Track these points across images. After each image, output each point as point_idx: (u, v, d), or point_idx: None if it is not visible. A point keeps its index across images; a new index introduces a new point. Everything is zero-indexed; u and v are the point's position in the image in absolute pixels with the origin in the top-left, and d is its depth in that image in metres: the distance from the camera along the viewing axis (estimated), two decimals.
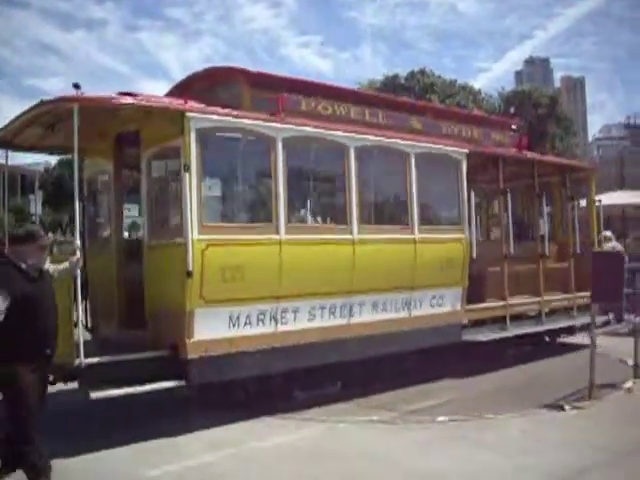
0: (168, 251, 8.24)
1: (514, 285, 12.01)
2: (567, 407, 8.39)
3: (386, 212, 10.12)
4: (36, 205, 65.55)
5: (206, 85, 9.69)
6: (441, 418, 8.11)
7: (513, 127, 14.46)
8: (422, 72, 51.98)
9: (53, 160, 71.97)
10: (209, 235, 7.98)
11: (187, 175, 7.92)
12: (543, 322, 12.47)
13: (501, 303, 11.67)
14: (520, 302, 12.21)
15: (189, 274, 7.68)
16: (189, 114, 8.05)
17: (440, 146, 10.86)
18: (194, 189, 7.97)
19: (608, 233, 17.80)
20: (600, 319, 12.85)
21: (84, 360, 7.08)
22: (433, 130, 11.42)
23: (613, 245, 16.16)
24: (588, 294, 10.40)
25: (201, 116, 8.18)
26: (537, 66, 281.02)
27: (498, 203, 12.76)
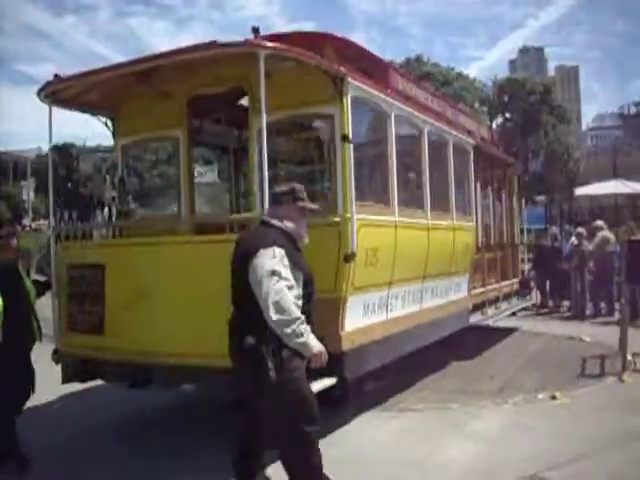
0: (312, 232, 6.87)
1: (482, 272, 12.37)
2: (558, 395, 8.39)
3: (437, 198, 9.85)
4: (28, 192, 65.41)
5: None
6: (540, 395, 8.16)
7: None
8: (418, 59, 51.90)
9: (45, 146, 71.71)
10: (361, 215, 7.12)
11: (345, 146, 7.03)
12: (501, 307, 12.92)
13: (482, 289, 12.04)
14: (493, 288, 12.64)
15: (348, 258, 6.76)
16: (350, 79, 7.14)
17: (463, 136, 11.00)
18: (352, 162, 7.05)
19: (600, 222, 17.85)
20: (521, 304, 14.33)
21: None
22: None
23: (604, 234, 16.18)
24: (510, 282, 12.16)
25: (356, 83, 7.34)
26: (531, 55, 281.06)
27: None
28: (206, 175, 39.11)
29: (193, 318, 6.32)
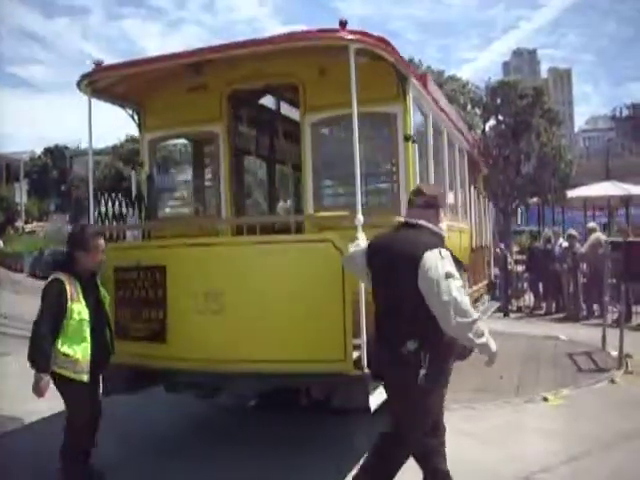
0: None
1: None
2: (550, 397, 8.43)
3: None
4: (21, 194, 65.29)
5: None
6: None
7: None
8: (411, 61, 51.93)
9: (38, 149, 71.67)
10: None
11: (408, 146, 6.96)
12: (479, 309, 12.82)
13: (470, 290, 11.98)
14: (475, 289, 12.57)
15: None
16: (413, 80, 7.09)
17: (462, 139, 11.06)
18: (417, 163, 7.01)
19: (592, 224, 17.93)
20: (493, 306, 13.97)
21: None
22: None
23: (597, 236, 16.25)
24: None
25: (417, 84, 7.27)
26: (524, 57, 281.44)
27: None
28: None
29: (270, 322, 6.05)
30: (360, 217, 5.84)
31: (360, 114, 6.68)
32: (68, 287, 5.48)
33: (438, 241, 4.62)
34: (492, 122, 38.82)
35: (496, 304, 14.91)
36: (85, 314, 5.51)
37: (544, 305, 17.99)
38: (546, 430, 7.24)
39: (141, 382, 6.71)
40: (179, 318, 6.37)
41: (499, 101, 38.25)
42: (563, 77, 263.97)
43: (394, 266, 4.62)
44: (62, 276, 5.55)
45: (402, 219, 4.94)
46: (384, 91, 6.99)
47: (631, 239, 13.20)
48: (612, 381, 9.36)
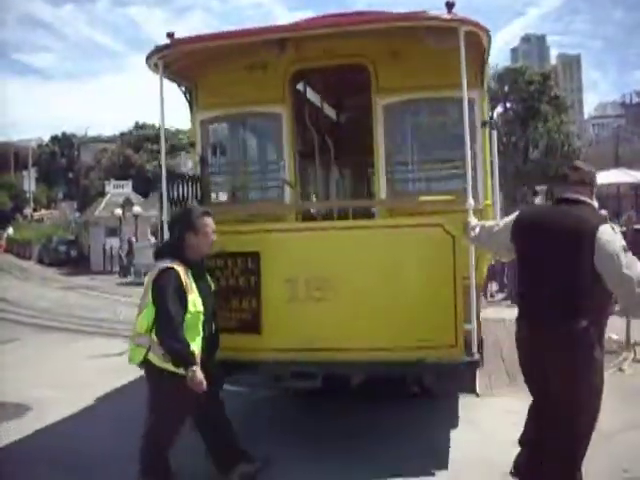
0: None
1: None
2: None
3: None
4: (30, 181, 65.46)
5: None
6: None
7: None
8: None
9: (45, 137, 71.73)
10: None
11: (485, 132, 6.95)
12: None
13: None
14: None
15: None
16: (486, 66, 6.98)
17: None
18: (495, 148, 7.01)
19: (603, 212, 17.80)
20: None
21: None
22: None
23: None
24: None
25: (487, 70, 7.20)
26: (533, 43, 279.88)
27: None
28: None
29: (378, 308, 5.96)
30: (471, 201, 5.89)
31: (437, 99, 6.95)
32: (183, 276, 5.02)
33: (602, 217, 4.61)
34: (500, 109, 38.70)
35: None
36: (200, 305, 5.10)
37: None
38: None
39: (230, 376, 6.41)
40: (275, 307, 6.16)
41: (507, 88, 38.09)
42: (572, 63, 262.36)
43: (559, 241, 4.49)
44: (175, 264, 5.05)
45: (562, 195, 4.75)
46: (460, 76, 6.70)
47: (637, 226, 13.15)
48: (620, 369, 9.31)
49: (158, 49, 6.48)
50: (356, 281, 6.01)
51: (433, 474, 5.79)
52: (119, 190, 47.93)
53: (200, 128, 7.73)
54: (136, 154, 59.14)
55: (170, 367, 4.92)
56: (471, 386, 6.08)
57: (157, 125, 63.08)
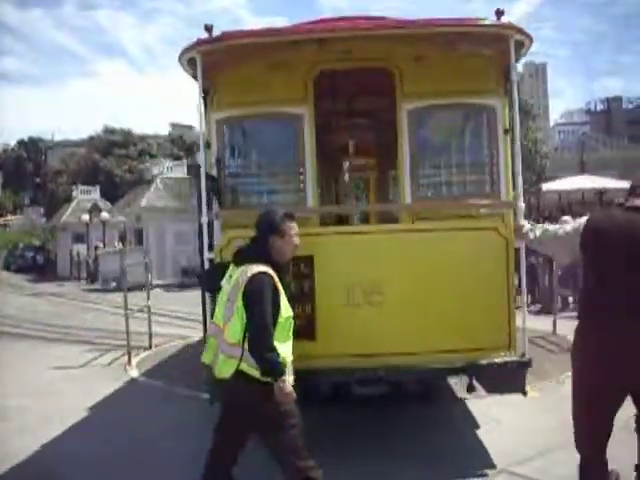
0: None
1: None
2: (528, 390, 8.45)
3: None
4: None
5: None
6: None
7: None
8: None
9: (12, 141, 70.90)
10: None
11: (507, 139, 6.97)
12: None
13: None
14: None
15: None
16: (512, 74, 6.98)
17: None
18: (519, 157, 6.91)
19: (567, 217, 18.02)
20: None
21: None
22: None
23: None
24: None
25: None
26: None
27: None
28: (175, 171, 39.07)
29: (434, 311, 6.02)
30: (522, 204, 6.12)
31: (460, 104, 7.04)
32: (276, 280, 4.83)
33: None
34: None
35: None
36: (290, 310, 4.90)
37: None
38: (520, 423, 7.30)
39: None
40: (330, 312, 6.06)
41: None
42: (539, 71, 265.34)
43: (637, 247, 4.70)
44: (266, 268, 4.84)
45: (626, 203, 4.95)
46: (484, 83, 6.98)
47: None
48: None
49: (200, 42, 6.25)
50: (411, 284, 6.06)
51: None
52: (87, 195, 47.49)
53: (216, 127, 7.38)
54: (104, 159, 58.68)
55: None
56: (521, 386, 6.12)
57: (126, 129, 62.86)
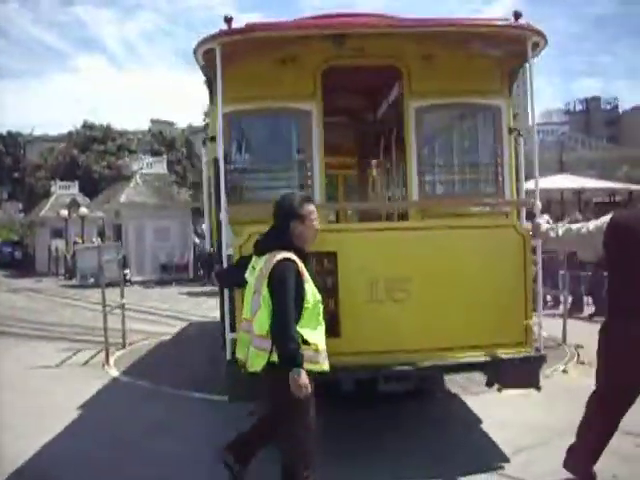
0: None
1: None
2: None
3: None
4: None
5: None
6: None
7: None
8: None
9: None
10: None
11: (511, 138, 7.31)
12: None
13: None
14: None
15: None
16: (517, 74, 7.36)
17: None
18: (522, 155, 7.44)
19: (546, 217, 18.11)
20: None
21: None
22: None
23: None
24: None
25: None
26: None
27: None
28: (155, 166, 38.87)
29: (456, 308, 6.09)
30: (539, 203, 6.34)
31: (465, 104, 7.28)
32: (301, 267, 4.76)
33: None
34: None
35: None
36: (318, 294, 4.82)
37: None
38: (501, 420, 7.34)
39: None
40: (354, 308, 6.03)
41: None
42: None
43: None
44: (290, 254, 4.78)
45: None
46: (489, 84, 7.16)
47: None
48: (564, 371, 9.49)
49: (222, 33, 6.13)
50: (433, 280, 6.11)
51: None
52: (65, 191, 47.08)
53: (223, 122, 7.07)
54: (83, 154, 58.27)
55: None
56: (536, 381, 6.26)
57: (105, 125, 62.43)
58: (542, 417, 7.37)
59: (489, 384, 6.61)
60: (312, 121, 7.22)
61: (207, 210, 8.99)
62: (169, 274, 32.46)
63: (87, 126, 62.06)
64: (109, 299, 11.95)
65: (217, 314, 17.29)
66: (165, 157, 43.48)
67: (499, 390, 7.85)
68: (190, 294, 25.09)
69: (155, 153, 51.42)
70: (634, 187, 27.81)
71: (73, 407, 8.41)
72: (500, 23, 6.32)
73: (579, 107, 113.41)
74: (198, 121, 44.22)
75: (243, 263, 5.31)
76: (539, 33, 6.29)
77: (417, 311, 6.03)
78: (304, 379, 4.50)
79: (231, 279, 5.86)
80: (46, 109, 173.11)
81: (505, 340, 6.15)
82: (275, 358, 4.62)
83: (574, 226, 5.54)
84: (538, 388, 6.34)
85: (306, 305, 4.68)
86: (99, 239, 35.53)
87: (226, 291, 6.16)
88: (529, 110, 6.70)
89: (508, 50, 6.73)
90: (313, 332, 4.70)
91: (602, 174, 38.61)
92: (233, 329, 5.95)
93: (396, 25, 6.56)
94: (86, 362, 11.53)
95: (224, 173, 6.33)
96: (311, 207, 5.04)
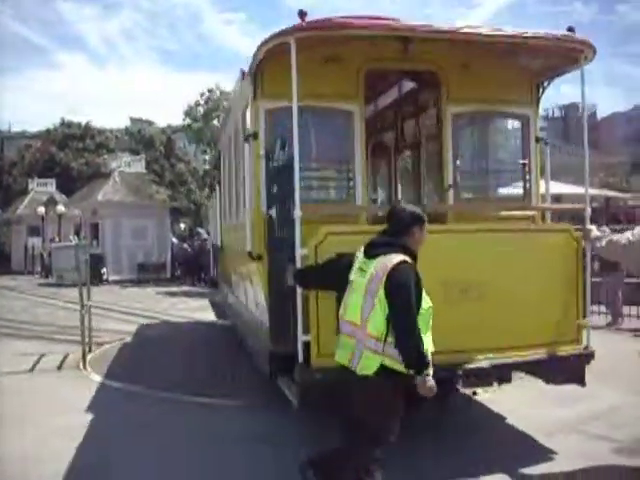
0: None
1: None
2: (479, 391, 8.50)
3: None
4: None
5: None
6: None
7: None
8: None
9: None
10: None
11: (539, 146, 7.85)
12: None
13: None
14: None
15: None
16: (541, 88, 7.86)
17: None
18: (548, 162, 7.90)
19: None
20: None
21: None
22: None
23: None
24: None
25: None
26: None
27: None
28: (133, 165, 38.69)
29: (518, 309, 6.32)
30: (589, 209, 6.77)
31: (498, 112, 7.81)
32: (417, 269, 4.77)
33: None
34: None
35: None
36: (429, 300, 4.82)
37: None
38: (474, 422, 7.41)
39: None
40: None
41: None
42: None
43: None
44: (406, 257, 4.77)
45: None
46: (520, 94, 7.66)
47: None
48: None
49: (299, 28, 6.12)
50: (502, 281, 6.33)
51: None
52: (43, 188, 46.74)
53: (264, 118, 7.22)
54: (61, 152, 57.79)
55: (402, 369, 4.60)
56: (582, 377, 6.60)
57: (84, 123, 61.95)
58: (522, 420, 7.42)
59: (548, 381, 6.82)
60: (355, 122, 7.30)
61: (226, 208, 8.83)
62: (146, 273, 32.29)
63: (65, 124, 61.55)
64: (85, 298, 11.82)
65: (198, 315, 17.39)
66: (144, 156, 43.27)
67: (474, 393, 7.94)
68: (167, 294, 24.97)
69: (134, 152, 51.10)
70: (611, 193, 28.06)
71: (46, 411, 8.34)
72: (560, 37, 6.57)
73: (557, 113, 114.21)
74: (177, 120, 43.93)
75: (335, 265, 5.34)
76: (591, 46, 6.63)
77: (488, 311, 6.22)
78: (432, 381, 4.53)
79: (316, 280, 5.80)
80: (25, 106, 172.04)
81: (562, 338, 6.50)
82: (387, 361, 4.61)
83: (623, 236, 5.78)
84: (583, 384, 6.58)
85: (421, 310, 4.68)
86: (76, 237, 35.27)
87: (298, 292, 6.06)
88: (583, 122, 7.12)
89: (546, 63, 7.26)
90: (426, 337, 4.69)
91: (580, 180, 38.85)
92: (306, 331, 5.95)
93: (471, 33, 6.51)
94: (60, 363, 11.38)
95: (297, 171, 6.23)
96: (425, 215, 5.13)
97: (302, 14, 6.07)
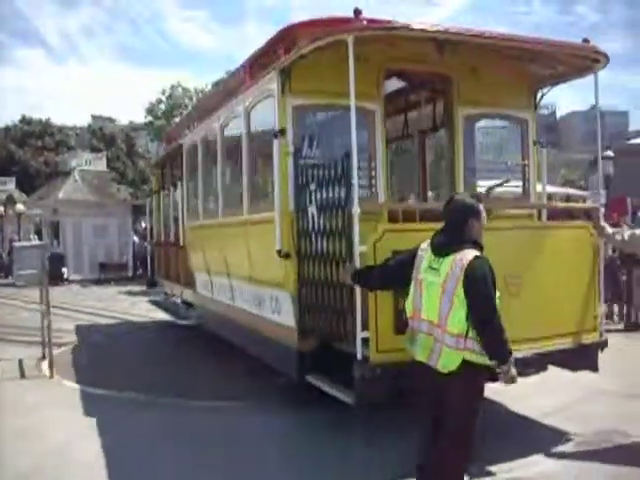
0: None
1: None
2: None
3: None
4: None
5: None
6: None
7: None
8: None
9: None
10: None
11: (536, 149, 8.39)
12: None
13: None
14: None
15: None
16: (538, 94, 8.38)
17: None
18: (544, 165, 8.47)
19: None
20: None
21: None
22: None
23: None
24: None
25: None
26: None
27: None
28: (94, 163, 38.27)
29: (550, 301, 6.62)
30: (602, 209, 7.26)
31: (502, 115, 8.35)
32: (491, 263, 4.79)
33: None
34: None
35: None
36: (497, 294, 4.80)
37: None
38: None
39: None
40: None
41: None
42: None
43: None
44: (478, 252, 4.80)
45: None
46: (521, 98, 8.16)
47: None
48: None
49: (357, 26, 6.12)
50: (536, 274, 6.60)
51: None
52: (2, 186, 45.95)
53: (292, 115, 7.21)
54: (20, 150, 56.98)
55: (480, 360, 4.66)
56: (596, 363, 7.06)
57: (43, 120, 61.17)
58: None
59: (569, 368, 7.07)
60: (376, 120, 7.46)
61: (196, 207, 9.64)
62: (108, 273, 31.97)
63: (24, 121, 60.71)
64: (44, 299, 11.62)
65: (161, 315, 17.27)
66: (105, 154, 42.81)
67: None
68: (129, 293, 24.75)
69: (95, 149, 50.57)
70: (572, 191, 28.39)
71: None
72: (576, 45, 6.94)
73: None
74: (139, 118, 43.53)
75: (398, 264, 5.28)
76: (606, 56, 7.00)
77: (525, 303, 6.40)
78: (514, 370, 4.70)
79: (381, 281, 5.66)
80: None
81: (583, 327, 6.89)
82: (468, 355, 4.65)
83: (638, 231, 6.04)
84: (596, 369, 7.02)
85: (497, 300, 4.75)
86: (36, 237, 34.78)
87: (357, 290, 6.03)
88: (598, 130, 7.62)
89: (555, 70, 7.70)
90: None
91: (551, 179, 39.36)
92: (364, 328, 5.97)
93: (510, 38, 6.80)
94: (21, 363, 11.20)
95: (355, 168, 6.23)
96: (482, 205, 5.08)
97: (357, 12, 6.05)
